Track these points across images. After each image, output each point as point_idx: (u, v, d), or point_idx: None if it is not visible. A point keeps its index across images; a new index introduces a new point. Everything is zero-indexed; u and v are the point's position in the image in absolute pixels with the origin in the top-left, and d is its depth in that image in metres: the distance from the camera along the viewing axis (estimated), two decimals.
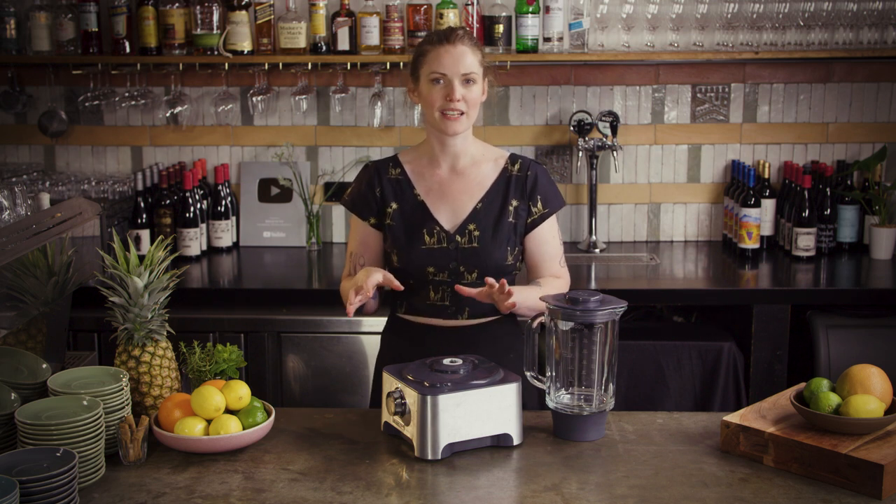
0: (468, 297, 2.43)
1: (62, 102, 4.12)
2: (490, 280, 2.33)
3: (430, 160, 2.60)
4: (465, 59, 2.48)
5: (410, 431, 2.12)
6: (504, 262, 2.53)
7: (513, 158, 2.61)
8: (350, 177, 4.09)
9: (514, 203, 2.56)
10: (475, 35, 3.74)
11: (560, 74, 4.06)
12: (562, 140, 4.10)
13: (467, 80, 2.48)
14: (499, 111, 4.08)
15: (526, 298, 2.41)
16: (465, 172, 2.58)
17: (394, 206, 2.58)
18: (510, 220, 2.55)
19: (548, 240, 2.59)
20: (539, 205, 2.57)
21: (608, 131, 3.94)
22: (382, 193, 2.58)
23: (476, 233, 2.52)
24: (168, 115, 4.06)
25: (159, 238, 2.37)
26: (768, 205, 3.92)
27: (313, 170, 4.12)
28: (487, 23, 3.85)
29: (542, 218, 2.57)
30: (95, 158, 4.18)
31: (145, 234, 3.88)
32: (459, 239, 2.52)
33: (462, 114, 2.48)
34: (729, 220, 4.00)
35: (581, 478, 2.02)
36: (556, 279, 2.58)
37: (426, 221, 2.54)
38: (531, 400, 2.52)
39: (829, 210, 3.89)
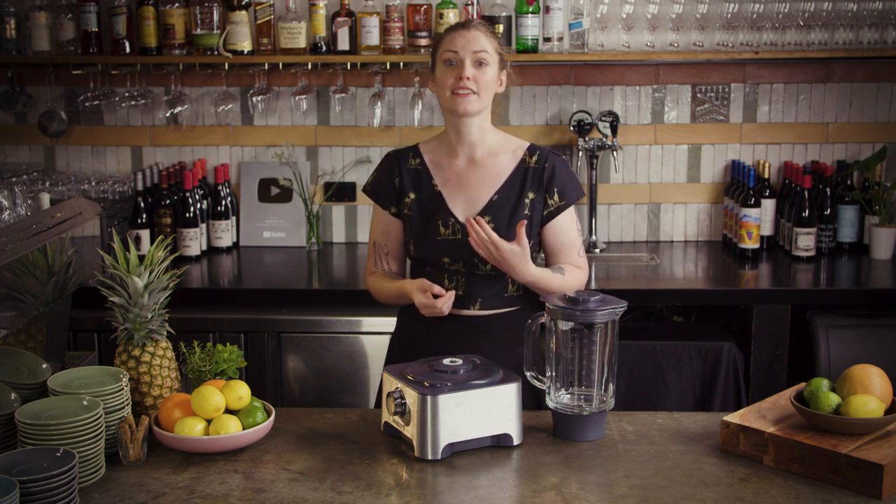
0: (481, 289, 2.54)
1: (62, 102, 4.12)
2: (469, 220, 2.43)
3: (449, 150, 2.62)
4: (479, 41, 2.52)
5: (410, 431, 2.12)
6: None
7: (531, 150, 2.62)
8: (350, 177, 4.10)
9: (531, 196, 2.57)
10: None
11: (560, 74, 4.06)
12: (562, 140, 4.10)
13: (479, 63, 2.51)
14: (499, 111, 4.05)
15: (544, 277, 2.50)
16: (482, 163, 2.59)
17: (412, 195, 2.60)
18: (525, 212, 2.56)
19: (565, 231, 2.60)
20: (556, 197, 2.58)
21: (608, 131, 3.94)
22: (401, 183, 2.60)
23: (491, 225, 2.52)
24: (168, 115, 4.06)
25: (159, 238, 2.37)
26: (768, 205, 3.92)
27: (313, 170, 4.12)
28: (487, 23, 3.84)
29: (559, 210, 2.58)
30: (95, 158, 4.18)
31: (145, 234, 3.88)
32: None
33: (473, 94, 2.49)
34: (729, 220, 4.00)
35: (581, 478, 2.02)
36: (576, 269, 2.59)
37: (442, 213, 2.56)
38: (531, 400, 2.52)
39: (829, 210, 3.89)
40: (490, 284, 2.55)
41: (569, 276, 2.56)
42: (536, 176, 2.58)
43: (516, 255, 2.43)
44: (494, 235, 2.41)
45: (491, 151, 2.60)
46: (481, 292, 2.55)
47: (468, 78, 2.49)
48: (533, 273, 2.47)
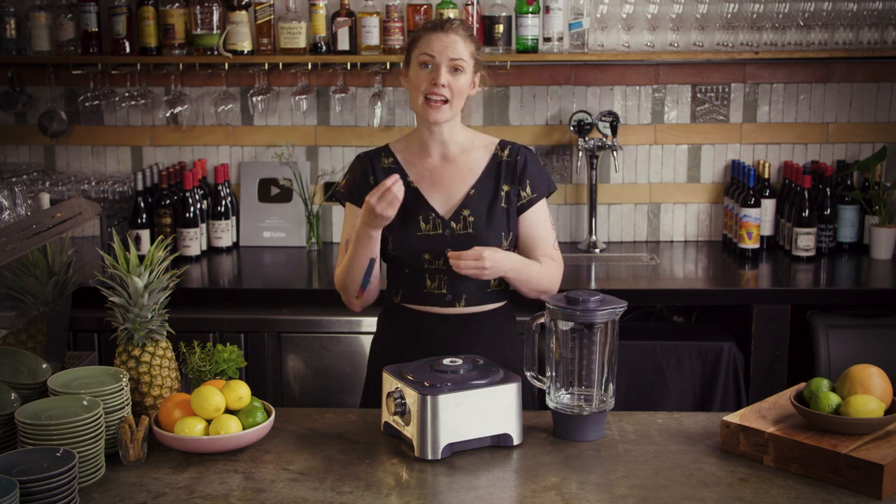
0: (464, 285, 2.52)
1: (62, 102, 4.12)
2: (452, 253, 2.44)
3: (421, 148, 2.61)
4: (456, 46, 2.49)
5: (410, 431, 2.12)
6: (499, 248, 2.53)
7: (502, 144, 2.62)
8: None
9: (506, 188, 2.57)
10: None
11: (560, 74, 4.06)
12: (562, 140, 4.10)
13: (455, 69, 2.49)
14: (499, 111, 4.08)
15: (524, 263, 2.52)
16: (455, 160, 2.59)
17: None
18: (502, 205, 2.56)
19: (538, 223, 2.60)
20: (528, 189, 2.58)
21: (608, 131, 3.94)
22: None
23: (471, 218, 2.53)
24: (168, 115, 4.06)
25: (159, 238, 2.37)
26: (768, 205, 3.92)
27: (313, 170, 4.12)
28: (487, 23, 3.85)
29: (531, 202, 2.58)
30: (95, 158, 4.18)
31: (145, 234, 3.88)
32: (454, 225, 2.53)
33: (445, 102, 2.48)
34: (729, 220, 4.00)
35: (581, 478, 2.02)
36: (551, 261, 2.60)
37: (421, 208, 2.55)
38: (531, 400, 2.52)
39: (829, 210, 3.89)
40: (473, 280, 2.52)
41: (545, 265, 2.57)
42: (509, 169, 2.58)
43: (489, 249, 2.45)
44: (466, 252, 2.43)
45: (463, 148, 2.60)
46: (465, 289, 2.54)
47: (443, 85, 2.47)
48: (511, 258, 2.49)
